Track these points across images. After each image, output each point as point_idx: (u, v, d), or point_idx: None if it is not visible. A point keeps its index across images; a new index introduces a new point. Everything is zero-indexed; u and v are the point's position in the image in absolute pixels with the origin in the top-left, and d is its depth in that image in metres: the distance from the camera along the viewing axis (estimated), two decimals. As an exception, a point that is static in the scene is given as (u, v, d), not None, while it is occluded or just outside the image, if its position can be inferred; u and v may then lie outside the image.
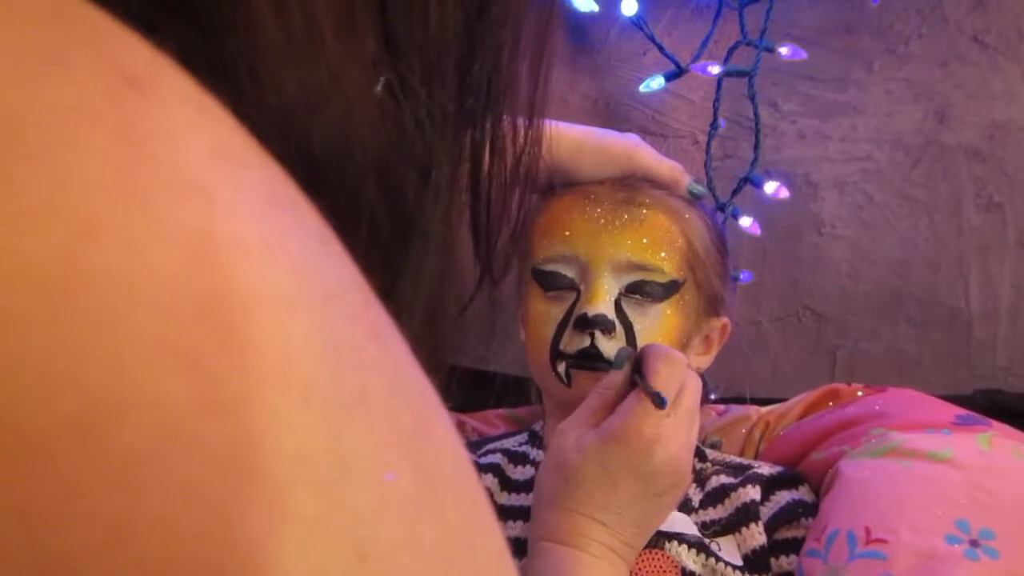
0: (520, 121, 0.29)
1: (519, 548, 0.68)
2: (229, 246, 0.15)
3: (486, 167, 0.28)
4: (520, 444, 0.81)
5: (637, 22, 0.98)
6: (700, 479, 0.74)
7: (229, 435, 0.14)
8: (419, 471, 0.17)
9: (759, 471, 0.75)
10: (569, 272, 0.74)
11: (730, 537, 0.69)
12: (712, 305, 0.77)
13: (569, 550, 0.58)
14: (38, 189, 0.13)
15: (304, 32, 0.20)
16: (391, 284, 0.24)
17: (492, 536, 0.20)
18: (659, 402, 0.58)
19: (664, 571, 0.66)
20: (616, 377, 0.62)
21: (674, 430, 0.59)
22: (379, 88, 0.23)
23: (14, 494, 0.12)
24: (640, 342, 0.70)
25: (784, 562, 0.69)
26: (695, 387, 0.62)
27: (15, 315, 0.13)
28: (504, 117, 0.28)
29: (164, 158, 0.15)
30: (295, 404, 0.15)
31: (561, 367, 0.72)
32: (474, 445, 0.84)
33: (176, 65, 0.16)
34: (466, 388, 1.04)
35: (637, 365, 0.62)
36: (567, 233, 0.74)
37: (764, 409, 0.87)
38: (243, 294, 0.15)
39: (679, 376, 0.61)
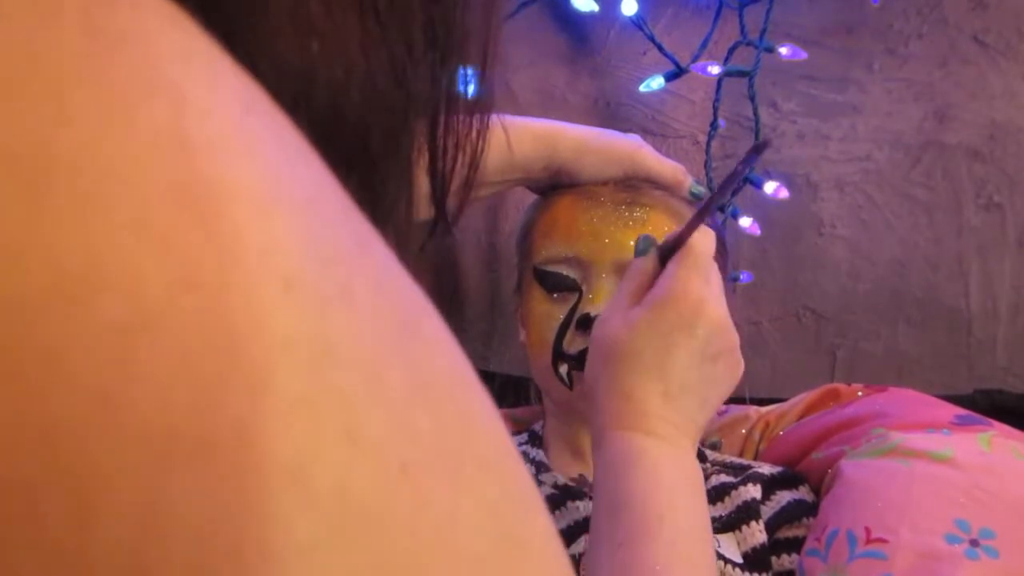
0: (473, 71, 0.30)
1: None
2: (204, 144, 0.15)
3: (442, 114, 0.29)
4: (520, 444, 0.81)
5: (637, 22, 0.98)
6: (700, 479, 0.74)
7: (209, 314, 0.14)
8: (409, 364, 0.17)
9: (759, 471, 0.75)
10: (571, 273, 0.74)
11: (730, 534, 0.70)
12: (712, 306, 0.77)
13: (634, 436, 0.55)
14: (5, 72, 0.13)
15: (298, 4, 0.21)
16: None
17: (493, 427, 0.20)
18: (754, 156, 0.55)
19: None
20: (645, 263, 0.61)
21: (715, 295, 0.58)
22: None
23: None
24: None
25: (785, 561, 0.69)
26: (718, 272, 0.61)
27: None
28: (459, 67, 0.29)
29: (134, 54, 0.15)
30: (276, 292, 0.15)
31: (563, 368, 0.72)
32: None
33: None
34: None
35: (663, 251, 0.61)
36: (569, 234, 0.75)
37: (764, 409, 0.87)
38: (219, 187, 0.15)
39: (713, 244, 0.60)
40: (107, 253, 0.13)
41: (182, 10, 0.17)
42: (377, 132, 0.24)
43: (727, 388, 0.60)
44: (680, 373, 0.56)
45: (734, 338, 0.59)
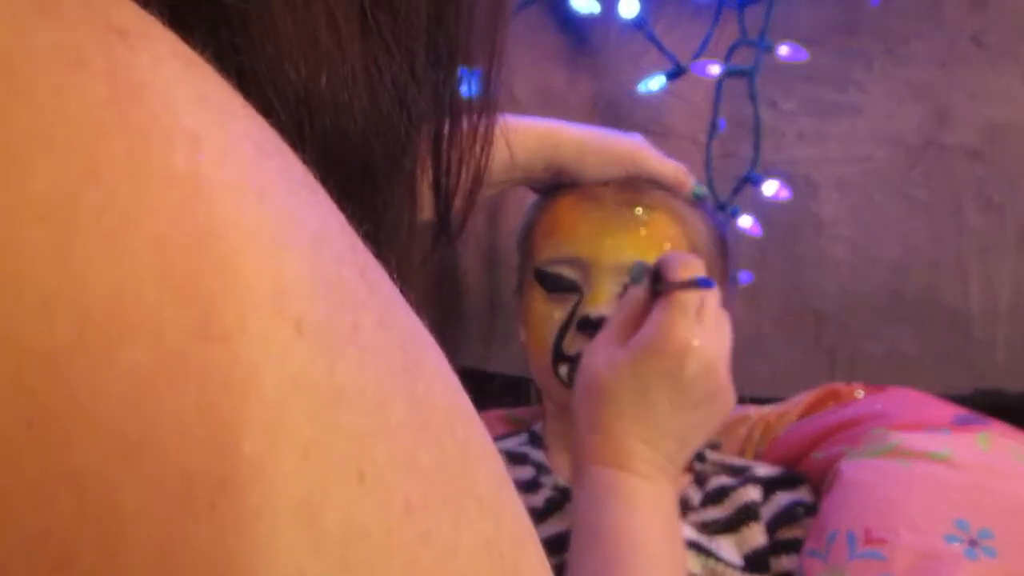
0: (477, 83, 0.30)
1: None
2: (219, 188, 0.15)
3: (446, 127, 0.29)
4: (520, 444, 0.81)
5: (637, 23, 0.98)
6: (700, 480, 0.74)
7: (227, 359, 0.15)
8: (413, 402, 0.18)
9: (759, 472, 0.75)
10: (572, 273, 0.74)
11: (730, 536, 0.70)
12: (713, 307, 0.77)
13: (614, 472, 0.57)
14: (37, 127, 0.14)
15: (304, 24, 0.21)
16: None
17: (491, 463, 0.21)
18: (704, 284, 0.57)
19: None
20: (637, 292, 0.62)
21: (706, 337, 0.58)
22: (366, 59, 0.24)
23: (23, 407, 0.13)
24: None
25: (785, 562, 0.69)
26: (715, 295, 0.61)
27: (17, 242, 0.13)
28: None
29: (154, 104, 0.15)
30: (289, 335, 0.15)
31: (563, 370, 0.72)
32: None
33: (162, 23, 0.17)
34: (466, 388, 1.04)
35: (655, 278, 0.61)
36: (570, 234, 0.75)
37: (764, 409, 0.87)
38: (234, 232, 0.15)
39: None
40: (130, 303, 0.14)
41: (194, 48, 0.17)
42: (379, 153, 0.25)
43: (710, 430, 0.61)
44: (660, 421, 0.58)
45: (721, 378, 0.59)
